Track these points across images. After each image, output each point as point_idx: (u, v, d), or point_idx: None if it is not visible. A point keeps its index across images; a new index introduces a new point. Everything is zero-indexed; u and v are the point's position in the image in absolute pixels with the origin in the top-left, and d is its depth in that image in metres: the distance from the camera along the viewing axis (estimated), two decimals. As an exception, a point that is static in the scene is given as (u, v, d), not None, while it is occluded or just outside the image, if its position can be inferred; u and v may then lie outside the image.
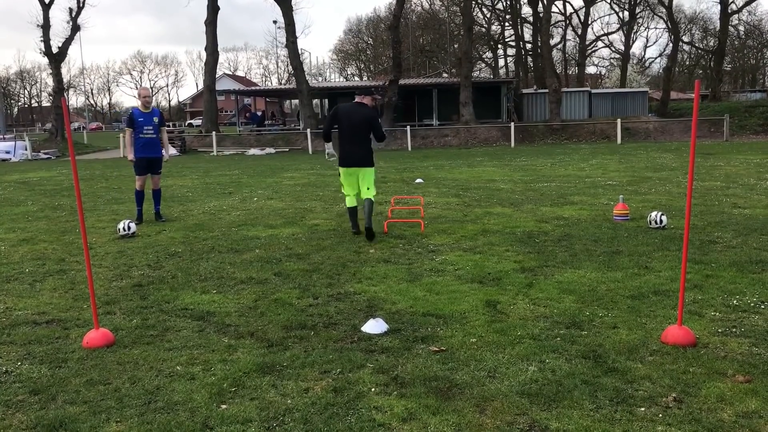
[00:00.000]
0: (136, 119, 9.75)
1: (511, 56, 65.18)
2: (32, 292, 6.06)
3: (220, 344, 4.54)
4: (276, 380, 3.89)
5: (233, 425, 3.34)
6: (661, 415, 3.32)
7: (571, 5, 67.12)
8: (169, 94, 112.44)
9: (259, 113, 46.37)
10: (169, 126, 53.84)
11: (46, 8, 36.15)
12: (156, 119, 9.90)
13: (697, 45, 62.67)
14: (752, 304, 5.06)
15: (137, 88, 11.31)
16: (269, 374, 3.98)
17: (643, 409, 3.40)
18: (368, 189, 8.10)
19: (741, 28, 60.18)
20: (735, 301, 5.14)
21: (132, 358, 4.33)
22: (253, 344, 4.52)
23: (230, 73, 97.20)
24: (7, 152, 30.99)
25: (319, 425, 3.33)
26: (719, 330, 4.53)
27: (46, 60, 37.70)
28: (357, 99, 8.26)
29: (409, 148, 30.18)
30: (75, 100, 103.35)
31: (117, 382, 3.94)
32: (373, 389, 3.73)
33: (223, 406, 3.57)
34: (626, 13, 56.90)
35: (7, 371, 4.16)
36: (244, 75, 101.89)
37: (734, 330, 4.52)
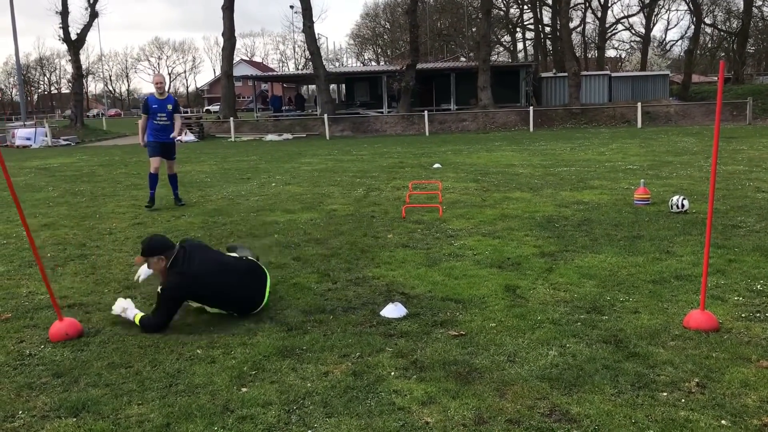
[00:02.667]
0: (150, 106, 9.94)
1: (530, 40, 64.60)
2: (54, 276, 6.12)
3: (240, 328, 4.56)
4: (296, 364, 3.90)
5: (254, 408, 3.36)
6: (683, 400, 3.29)
7: (591, -13, 66.24)
8: (186, 81, 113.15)
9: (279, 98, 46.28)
10: (187, 112, 54.06)
11: (64, -5, 36.31)
12: (170, 106, 10.02)
13: (719, 27, 61.65)
14: (776, 289, 4.99)
15: (154, 74, 11.33)
16: (289, 358, 4.00)
17: (665, 393, 3.37)
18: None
19: (765, 9, 59.04)
20: (759, 286, 5.07)
21: (153, 341, 4.36)
22: (272, 328, 4.53)
23: (247, 58, 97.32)
24: (28, 139, 31.29)
25: (339, 408, 3.33)
26: (743, 315, 4.47)
27: (65, 47, 37.91)
28: (157, 263, 4.71)
29: (427, 133, 30.06)
30: (94, 86, 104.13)
31: (138, 365, 3.97)
32: (392, 373, 3.73)
33: (244, 389, 3.58)
34: (647, -5, 56.06)
35: (31, 354, 4.21)
36: (261, 61, 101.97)
37: (758, 315, 4.47)
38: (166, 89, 10.22)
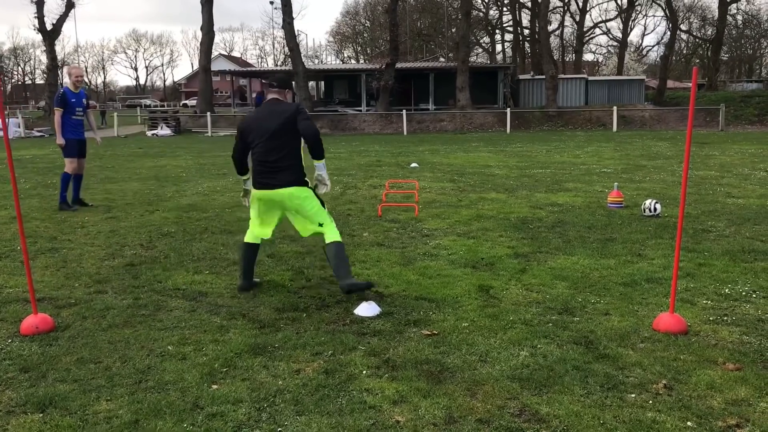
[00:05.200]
0: (69, 100, 9.16)
1: (509, 42, 64.99)
2: (23, 270, 6.01)
3: (211, 325, 4.53)
4: (267, 361, 3.89)
5: (224, 405, 3.34)
6: (651, 402, 3.33)
7: (570, -9, 66.71)
8: (164, 74, 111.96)
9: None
10: (164, 106, 53.63)
11: (40, -16, 35.77)
12: (85, 100, 9.42)
13: (694, 34, 62.59)
14: (744, 293, 5.07)
15: (71, 65, 10.33)
16: (261, 355, 3.98)
17: (633, 395, 3.41)
18: (321, 225, 5.16)
19: (739, 17, 60.03)
20: (727, 290, 5.15)
21: (123, 337, 4.31)
22: (245, 325, 4.51)
23: (226, 53, 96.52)
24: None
25: (310, 407, 3.33)
26: (711, 318, 4.55)
27: (40, 37, 37.40)
28: (268, 94, 5.24)
29: (405, 133, 30.10)
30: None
31: (108, 360, 3.93)
32: (364, 372, 3.73)
33: (214, 386, 3.56)
34: (625, 0, 56.67)
35: (-2, 348, 4.14)
36: (239, 56, 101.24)
37: (725, 318, 4.54)
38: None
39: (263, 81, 6.40)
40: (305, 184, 5.16)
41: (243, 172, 5.42)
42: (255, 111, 5.22)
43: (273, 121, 5.04)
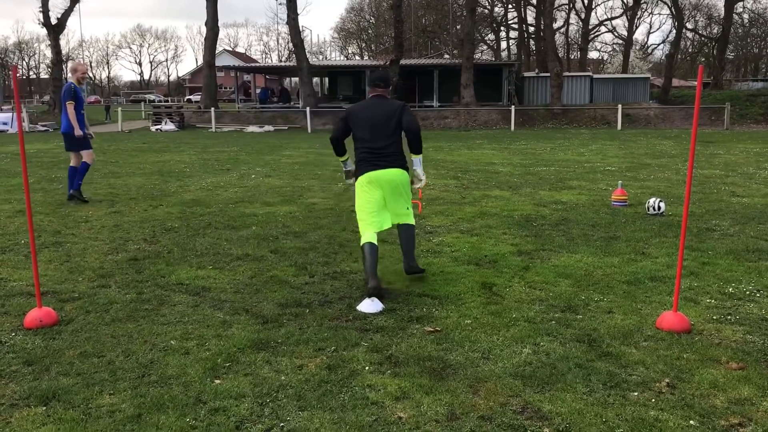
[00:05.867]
0: (78, 94, 9.31)
1: (514, 39, 64.86)
2: (27, 263, 6.04)
3: (215, 320, 4.53)
4: (270, 356, 3.89)
5: (226, 400, 3.35)
6: (653, 400, 3.33)
7: (576, -11, 66.53)
8: (168, 69, 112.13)
9: (268, 90, 45.84)
10: (167, 101, 53.72)
11: (45, -22, 35.79)
12: (84, 95, 9.52)
13: (700, 32, 62.35)
14: (747, 292, 5.06)
15: (75, 61, 10.25)
16: (263, 350, 3.98)
17: (636, 393, 3.41)
18: (408, 208, 5.47)
19: (745, 16, 59.85)
20: (731, 289, 5.14)
21: (126, 331, 4.32)
22: (248, 320, 4.52)
23: (230, 49, 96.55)
24: (5, 124, 30.79)
25: (313, 402, 3.33)
26: (714, 317, 4.54)
27: (44, 31, 37.46)
28: (372, 92, 5.59)
29: (409, 129, 30.05)
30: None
31: (111, 354, 3.94)
32: (367, 368, 3.73)
33: (217, 381, 3.57)
34: (630, -2, 56.53)
35: (2, 341, 4.15)
36: (244, 51, 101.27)
37: (729, 317, 4.53)
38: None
39: (369, 77, 6.32)
40: (408, 171, 5.55)
41: (341, 153, 5.75)
42: (362, 102, 5.65)
43: (381, 113, 5.43)
